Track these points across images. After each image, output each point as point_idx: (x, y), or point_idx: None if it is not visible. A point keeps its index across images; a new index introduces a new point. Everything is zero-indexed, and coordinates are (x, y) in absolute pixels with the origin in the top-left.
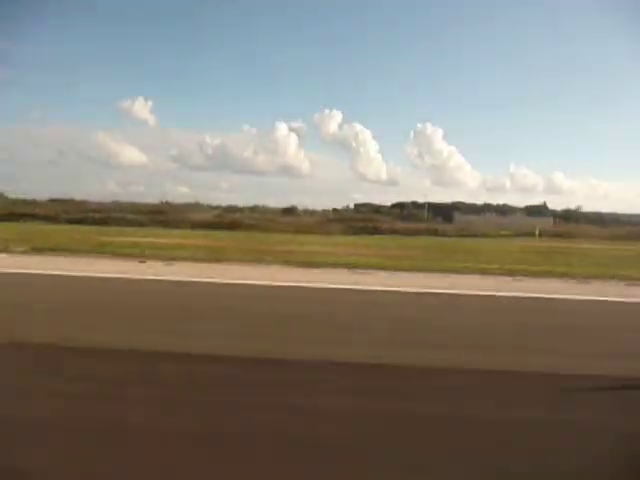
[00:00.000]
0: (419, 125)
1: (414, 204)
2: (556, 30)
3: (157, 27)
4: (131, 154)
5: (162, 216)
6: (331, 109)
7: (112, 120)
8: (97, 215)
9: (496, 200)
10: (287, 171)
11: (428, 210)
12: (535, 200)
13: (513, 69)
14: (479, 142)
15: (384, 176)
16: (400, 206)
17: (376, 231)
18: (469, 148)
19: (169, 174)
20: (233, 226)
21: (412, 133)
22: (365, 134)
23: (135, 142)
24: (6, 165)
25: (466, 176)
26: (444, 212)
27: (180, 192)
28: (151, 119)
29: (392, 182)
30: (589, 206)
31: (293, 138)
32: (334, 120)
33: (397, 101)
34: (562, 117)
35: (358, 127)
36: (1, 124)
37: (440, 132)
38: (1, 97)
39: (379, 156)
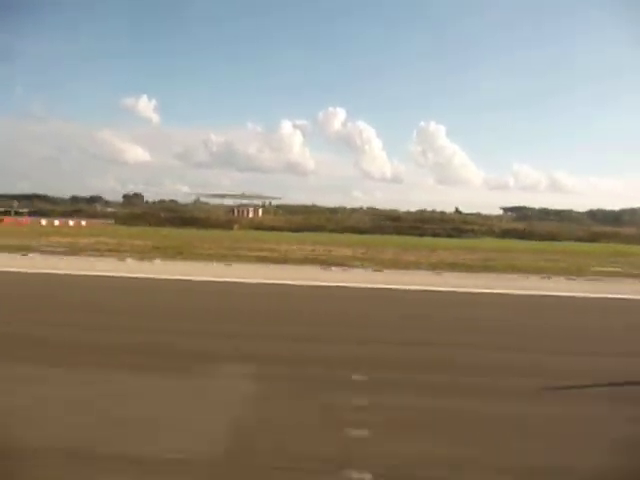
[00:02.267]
0: (422, 123)
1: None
2: (558, 28)
3: (160, 23)
4: (135, 152)
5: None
6: (335, 107)
7: (115, 117)
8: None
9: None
10: (291, 168)
11: None
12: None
13: (515, 67)
14: (482, 140)
15: (388, 174)
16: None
17: None
18: (472, 146)
19: (173, 172)
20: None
21: (415, 131)
22: (369, 132)
23: (138, 140)
24: (6, 161)
25: (470, 174)
26: None
27: (181, 190)
28: (155, 117)
29: (396, 180)
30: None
31: (298, 136)
32: (338, 118)
33: (401, 99)
34: (565, 114)
35: (362, 125)
36: (2, 119)
37: (443, 130)
38: (3, 92)
39: (383, 154)
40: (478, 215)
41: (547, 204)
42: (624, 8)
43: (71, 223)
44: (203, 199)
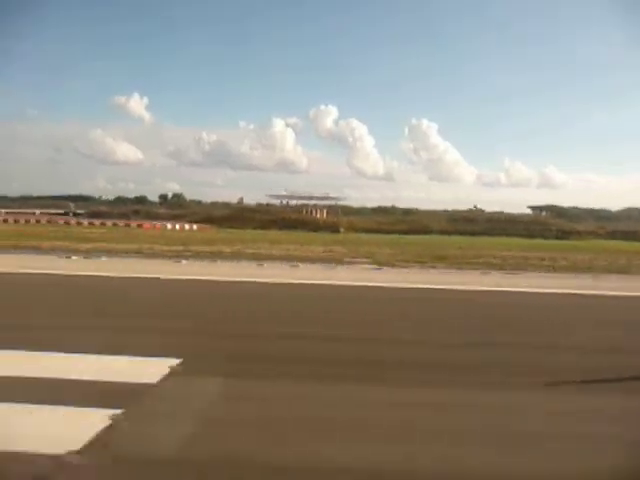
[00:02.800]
0: (414, 120)
1: None
2: (553, 23)
3: (151, 23)
4: (127, 151)
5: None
6: (327, 104)
7: (107, 117)
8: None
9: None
10: (284, 167)
11: None
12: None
13: (508, 63)
14: (474, 137)
15: (381, 171)
16: None
17: None
18: (464, 143)
19: (165, 171)
20: None
21: (407, 129)
22: (361, 130)
23: (130, 139)
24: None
25: (462, 171)
26: None
27: (171, 188)
28: (147, 116)
29: (388, 177)
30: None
31: (290, 134)
32: (330, 116)
33: (393, 96)
34: (556, 111)
35: (354, 123)
36: None
37: (435, 127)
38: None
39: (375, 151)
40: (501, 213)
41: (542, 201)
42: (620, 7)
43: (187, 227)
44: (262, 200)
